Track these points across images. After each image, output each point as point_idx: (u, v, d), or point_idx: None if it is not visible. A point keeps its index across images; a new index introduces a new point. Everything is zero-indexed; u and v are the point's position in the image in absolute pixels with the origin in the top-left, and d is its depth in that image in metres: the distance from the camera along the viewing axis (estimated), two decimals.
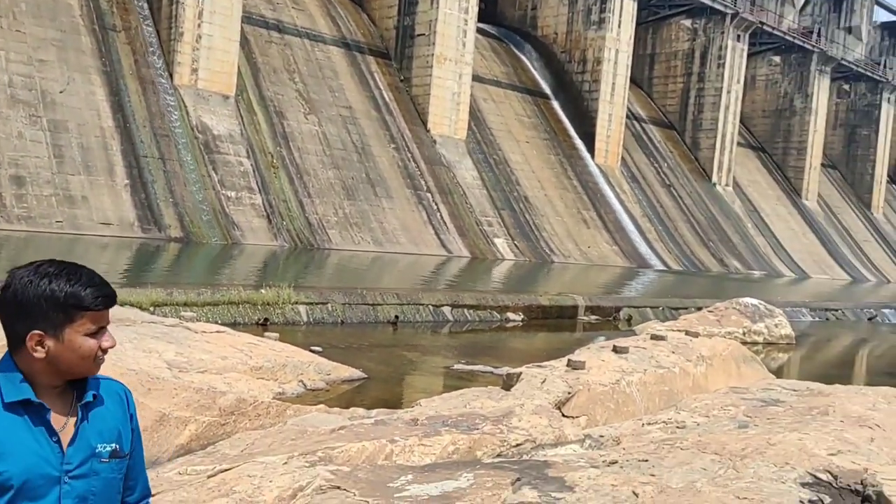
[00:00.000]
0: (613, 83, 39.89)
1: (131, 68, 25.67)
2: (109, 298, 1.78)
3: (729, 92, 46.06)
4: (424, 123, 33.05)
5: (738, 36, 46.33)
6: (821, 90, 52.48)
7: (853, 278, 48.05)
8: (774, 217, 48.22)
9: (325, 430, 5.12)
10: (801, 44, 51.58)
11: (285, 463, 4.07)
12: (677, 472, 4.09)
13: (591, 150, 38.99)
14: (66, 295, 1.71)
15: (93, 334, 1.75)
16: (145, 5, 27.23)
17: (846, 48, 55.62)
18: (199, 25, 26.65)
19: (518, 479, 3.78)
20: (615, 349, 8.13)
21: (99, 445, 1.78)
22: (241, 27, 28.14)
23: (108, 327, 1.81)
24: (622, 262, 34.94)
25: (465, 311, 13.75)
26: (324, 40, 32.65)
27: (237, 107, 27.70)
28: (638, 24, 42.09)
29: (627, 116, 41.85)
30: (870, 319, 23.02)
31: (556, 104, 40.13)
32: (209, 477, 3.90)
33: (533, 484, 3.75)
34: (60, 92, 23.59)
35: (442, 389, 7.87)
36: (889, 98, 58.16)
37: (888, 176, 60.44)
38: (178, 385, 5.54)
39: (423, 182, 31.18)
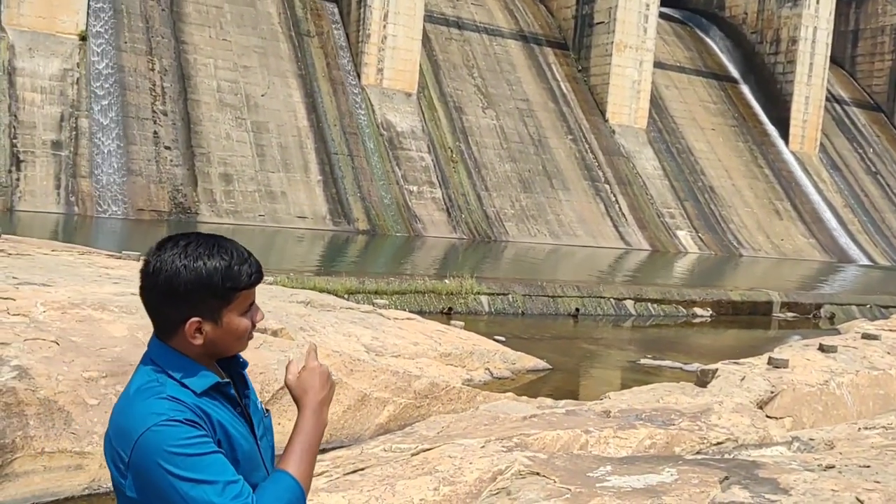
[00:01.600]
0: (811, 63, 36.98)
1: (323, 71, 27.24)
2: (261, 272, 1.71)
3: None
4: (603, 113, 32.41)
5: None
6: None
7: None
8: None
9: (517, 418, 5.17)
10: None
11: (483, 446, 4.15)
12: None
13: (784, 136, 36.42)
14: (224, 278, 1.62)
15: (245, 313, 1.68)
16: (336, 10, 28.77)
17: None
18: (384, 27, 27.76)
19: (726, 478, 3.61)
20: (822, 348, 7.56)
21: (258, 403, 1.81)
22: (423, 26, 28.98)
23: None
24: (820, 257, 32.40)
25: (649, 305, 13.34)
26: (501, 34, 32.89)
27: (419, 103, 28.58)
28: None
29: (827, 99, 38.65)
30: None
31: (745, 89, 37.87)
32: (412, 455, 4.06)
33: (743, 484, 3.57)
34: (262, 95, 25.51)
35: (628, 383, 7.69)
36: None
37: None
38: (377, 368, 5.81)
39: (600, 173, 30.61)
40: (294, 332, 6.10)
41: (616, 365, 9.25)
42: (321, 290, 9.86)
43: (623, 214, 29.56)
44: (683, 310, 13.52)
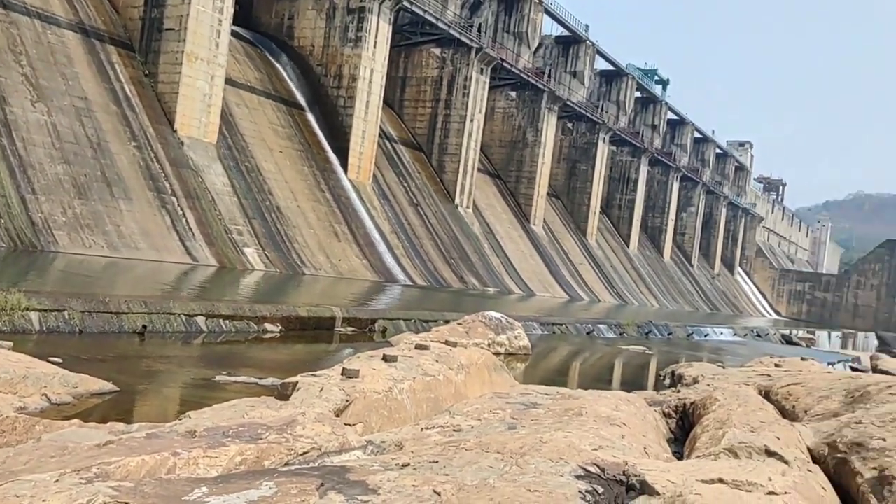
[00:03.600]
0: (368, 101, 40.71)
1: None
2: None
3: (472, 120, 49.12)
4: (171, 123, 31.20)
5: (482, 69, 49.68)
6: (549, 126, 57.92)
7: (570, 297, 53.39)
8: (507, 239, 52.15)
9: (90, 446, 4.64)
10: (533, 82, 56.57)
11: (56, 481, 3.62)
12: (468, 470, 4.30)
13: (344, 165, 39.37)
14: None
15: None
16: None
17: (571, 90, 62.04)
18: None
19: (322, 485, 3.73)
20: (385, 358, 8.30)
21: None
22: None
23: None
24: (371, 276, 35.61)
25: (221, 321, 13.17)
26: (58, 23, 29.59)
27: None
28: (392, 46, 43.43)
29: (380, 135, 42.91)
30: (588, 333, 25.74)
31: (311, 116, 40.02)
32: None
33: (338, 488, 3.73)
34: None
35: (207, 401, 7.48)
36: (604, 138, 65.77)
37: (601, 207, 68.20)
38: None
39: (167, 185, 29.36)
40: None
41: (190, 383, 8.92)
42: None
43: (190, 229, 28.74)
44: (255, 325, 13.65)
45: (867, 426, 5.52)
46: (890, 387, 6.85)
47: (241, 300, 15.80)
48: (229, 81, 34.16)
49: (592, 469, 4.42)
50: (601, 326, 27.53)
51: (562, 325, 25.06)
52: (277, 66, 40.78)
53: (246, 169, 33.42)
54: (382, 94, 42.03)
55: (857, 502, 4.91)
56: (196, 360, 10.62)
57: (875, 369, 18.57)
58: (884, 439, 5.26)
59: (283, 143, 36.75)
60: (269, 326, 13.82)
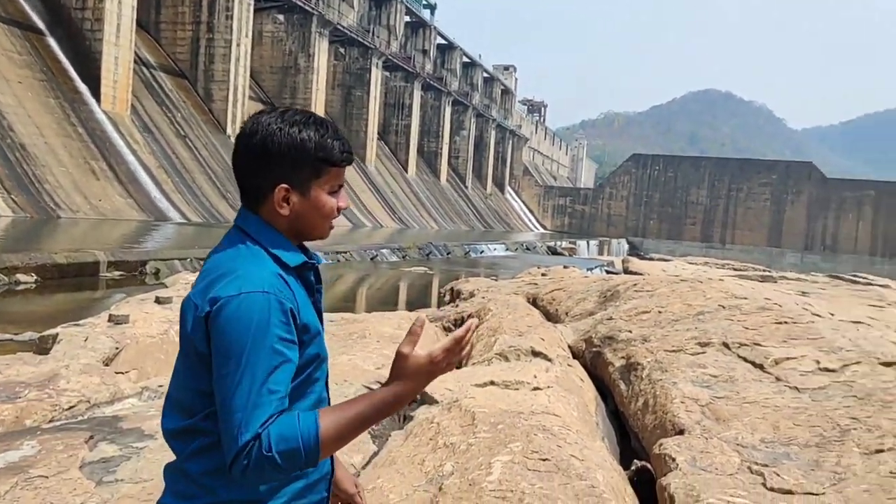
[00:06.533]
0: (119, 24, 37.11)
1: None
2: (351, 154, 1.70)
3: (238, 45, 46.61)
4: None
5: None
6: (321, 52, 56.57)
7: (353, 224, 53.71)
8: None
9: None
10: (301, 5, 54.65)
11: None
12: None
13: (96, 95, 35.84)
14: (317, 147, 1.59)
15: (333, 193, 1.63)
16: None
17: (341, 14, 60.80)
18: None
19: (91, 437, 3.52)
20: (158, 300, 7.90)
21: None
22: None
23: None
24: (138, 216, 33.30)
25: None
26: None
27: None
28: None
29: (136, 62, 39.49)
30: (372, 259, 26.19)
31: (52, 41, 35.75)
32: None
33: (109, 438, 3.54)
34: None
35: None
36: (377, 63, 65.56)
37: (378, 133, 68.52)
38: None
39: None
40: None
41: None
42: None
43: None
44: (5, 277, 12.32)
45: (616, 321, 6.20)
46: (635, 285, 7.72)
47: None
48: None
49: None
50: (384, 251, 28.11)
51: (346, 252, 25.25)
52: None
53: None
54: (135, 17, 38.50)
55: (609, 389, 5.54)
56: None
57: (626, 271, 20.80)
58: (630, 331, 5.94)
59: (22, 72, 32.65)
60: (21, 277, 12.55)
